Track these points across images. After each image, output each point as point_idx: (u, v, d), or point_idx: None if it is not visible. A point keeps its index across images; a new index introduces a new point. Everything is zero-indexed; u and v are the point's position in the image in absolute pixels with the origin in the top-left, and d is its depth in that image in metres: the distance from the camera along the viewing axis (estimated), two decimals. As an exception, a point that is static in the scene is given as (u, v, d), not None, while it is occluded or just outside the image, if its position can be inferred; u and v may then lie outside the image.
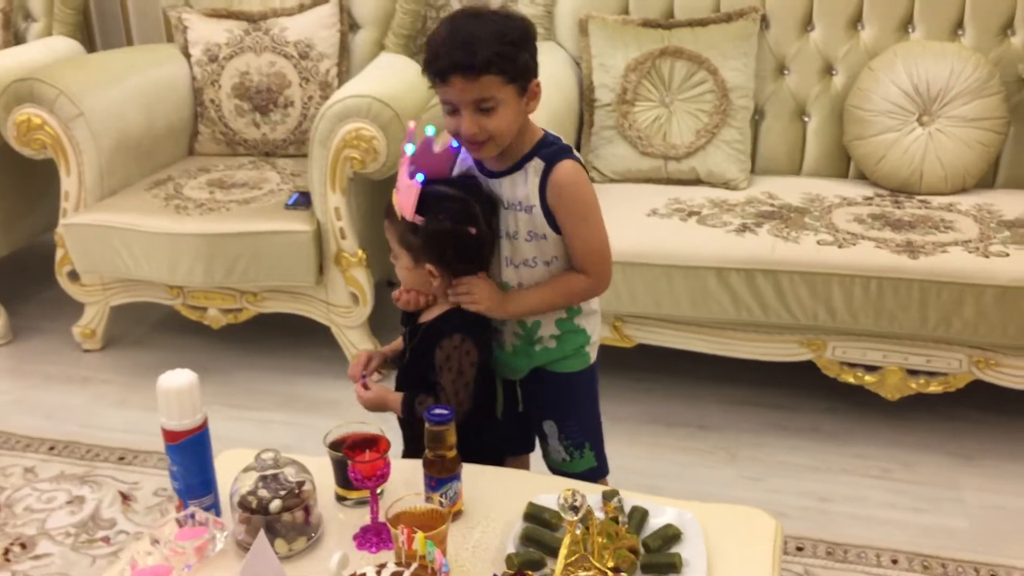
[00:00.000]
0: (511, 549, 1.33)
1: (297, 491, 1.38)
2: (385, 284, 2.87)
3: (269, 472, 1.37)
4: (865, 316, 2.27)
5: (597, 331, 1.73)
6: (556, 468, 1.77)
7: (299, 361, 2.82)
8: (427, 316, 1.66)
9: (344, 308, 2.66)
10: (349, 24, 3.00)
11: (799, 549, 2.04)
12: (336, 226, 2.56)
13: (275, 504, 1.36)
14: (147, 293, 2.78)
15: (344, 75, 2.97)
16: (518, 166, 1.57)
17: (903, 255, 2.25)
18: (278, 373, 2.77)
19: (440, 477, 1.41)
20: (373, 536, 1.40)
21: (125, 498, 2.24)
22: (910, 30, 2.72)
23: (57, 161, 2.70)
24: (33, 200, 3.07)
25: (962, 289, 2.19)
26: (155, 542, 1.36)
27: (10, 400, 2.69)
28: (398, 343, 1.74)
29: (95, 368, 2.85)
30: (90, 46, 3.47)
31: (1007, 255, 2.23)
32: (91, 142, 2.70)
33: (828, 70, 2.78)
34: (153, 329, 3.06)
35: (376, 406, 1.66)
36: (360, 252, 2.58)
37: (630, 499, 1.43)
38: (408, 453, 1.66)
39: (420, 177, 1.50)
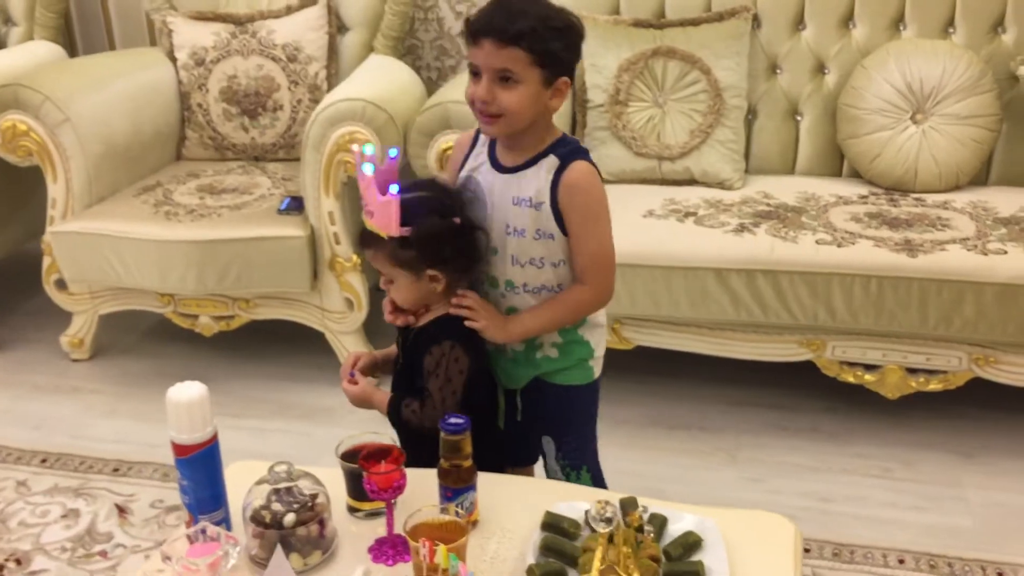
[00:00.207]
0: (531, 560, 1.31)
1: (311, 504, 1.36)
2: (375, 289, 2.84)
3: (282, 485, 1.35)
4: (865, 315, 2.27)
5: (602, 347, 1.70)
6: None
7: (293, 368, 2.79)
8: (421, 320, 1.64)
9: (339, 314, 2.63)
10: (337, 26, 2.97)
11: (806, 551, 2.03)
12: (330, 231, 2.53)
13: (289, 518, 1.33)
14: (137, 301, 2.74)
15: (333, 78, 2.94)
16: (532, 162, 1.55)
17: (902, 254, 2.25)
18: (272, 380, 2.74)
19: (456, 487, 1.39)
20: (389, 548, 1.38)
21: (121, 511, 2.20)
22: (901, 28, 2.73)
23: (43, 168, 2.65)
24: (15, 208, 3.02)
25: (962, 287, 2.20)
26: (167, 559, 1.33)
27: (-2, 411, 2.65)
28: (392, 349, 1.73)
29: (84, 378, 2.80)
30: (71, 50, 3.41)
31: (1005, 252, 2.24)
32: (78, 148, 2.65)
33: (820, 69, 2.78)
34: (142, 337, 3.01)
35: (361, 402, 1.65)
36: (355, 257, 2.55)
37: (647, 506, 1.41)
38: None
39: (395, 188, 1.48)
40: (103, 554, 2.07)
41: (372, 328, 2.68)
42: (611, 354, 2.25)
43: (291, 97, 2.93)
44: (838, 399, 2.53)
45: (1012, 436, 2.40)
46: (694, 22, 2.73)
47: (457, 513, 1.34)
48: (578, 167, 1.53)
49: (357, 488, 1.43)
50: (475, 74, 1.50)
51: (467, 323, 1.58)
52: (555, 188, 1.52)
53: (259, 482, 1.36)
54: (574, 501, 1.42)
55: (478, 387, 1.63)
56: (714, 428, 2.49)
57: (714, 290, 2.31)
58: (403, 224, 1.49)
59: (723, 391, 2.61)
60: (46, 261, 2.74)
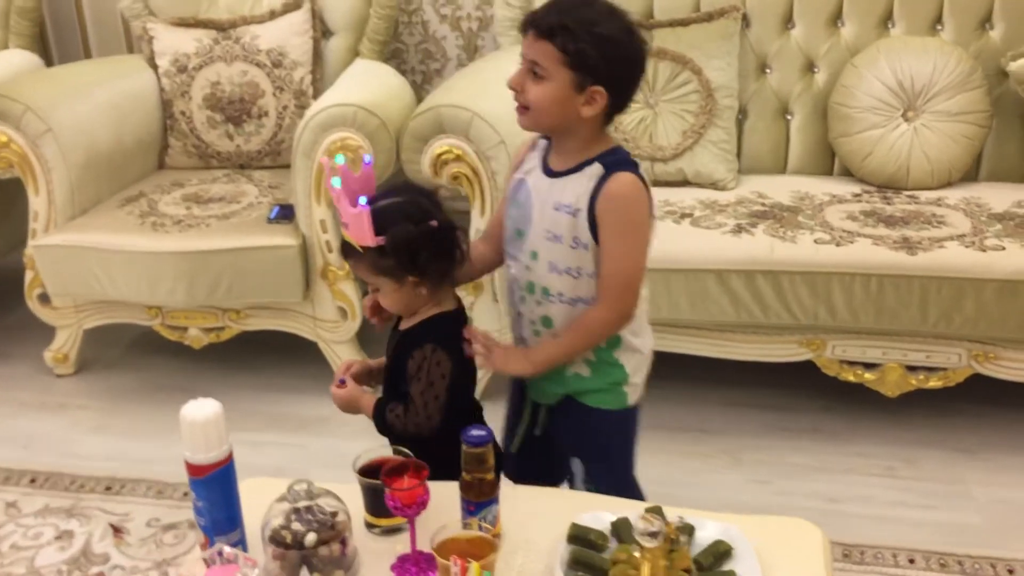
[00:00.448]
0: (559, 574, 1.29)
1: (331, 523, 1.32)
2: (364, 294, 2.80)
3: (302, 504, 1.31)
4: (866, 314, 2.26)
5: (640, 374, 1.64)
6: None
7: (285, 379, 2.74)
8: (406, 324, 1.61)
9: (332, 323, 2.59)
10: (322, 30, 2.93)
11: (816, 552, 2.02)
12: (322, 239, 2.49)
13: (310, 538, 1.29)
14: (123, 314, 2.68)
15: (319, 83, 2.89)
16: (577, 168, 1.51)
17: (901, 252, 2.24)
18: (264, 392, 2.69)
19: (479, 501, 1.35)
20: (412, 566, 1.35)
21: (117, 531, 2.15)
22: (890, 26, 2.73)
23: (24, 180, 2.59)
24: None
25: (962, 284, 2.20)
26: (184, 584, 1.29)
27: (-18, 431, 2.58)
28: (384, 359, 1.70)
29: (70, 394, 2.74)
30: (46, 58, 3.34)
31: (1003, 248, 2.24)
32: (60, 159, 2.59)
33: (810, 68, 2.77)
34: (127, 351, 2.95)
35: (348, 406, 1.63)
36: (347, 265, 2.51)
37: (682, 516, 1.38)
38: None
39: (363, 200, 1.46)
40: (101, 576, 2.02)
41: (366, 337, 2.63)
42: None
43: (276, 103, 2.88)
44: (836, 398, 2.53)
45: (1012, 432, 2.41)
46: (683, 22, 2.72)
47: (480, 527, 1.32)
48: (621, 178, 1.48)
49: (376, 504, 1.40)
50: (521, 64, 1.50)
51: (480, 364, 1.56)
52: (595, 197, 1.48)
53: (279, 500, 1.32)
54: (598, 512, 1.40)
55: (463, 391, 1.60)
56: (715, 430, 2.47)
57: (715, 292, 2.29)
58: (378, 233, 1.47)
59: (721, 392, 2.60)
60: (28, 275, 2.67)
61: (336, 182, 1.48)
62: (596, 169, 1.49)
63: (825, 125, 2.73)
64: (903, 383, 2.38)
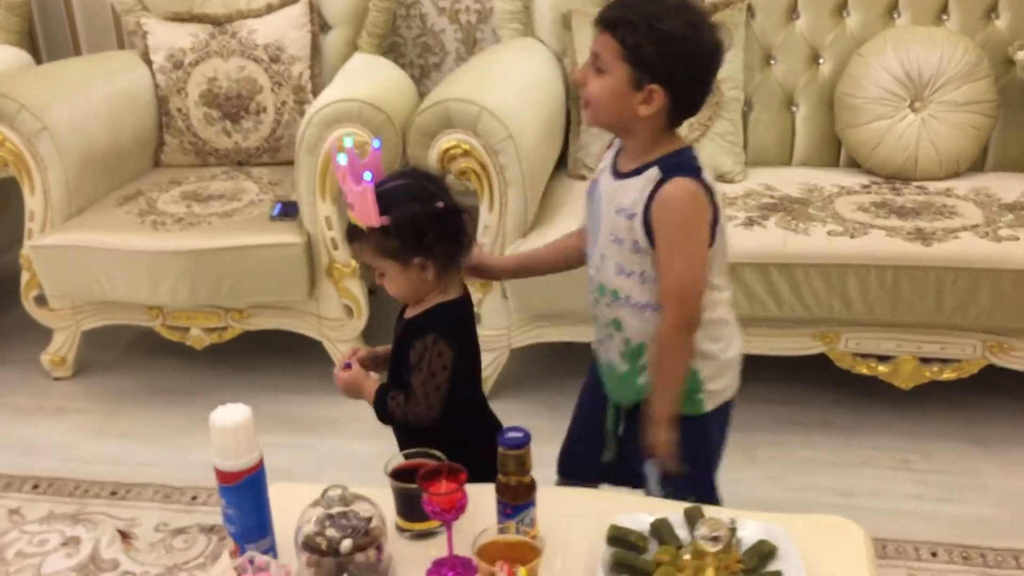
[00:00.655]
0: (603, 577, 1.26)
1: (365, 528, 1.29)
2: (373, 293, 2.76)
3: (336, 510, 1.27)
4: (881, 306, 2.24)
5: (718, 382, 1.58)
6: None
7: (291, 380, 2.69)
8: (412, 312, 1.59)
9: (337, 321, 2.55)
10: (320, 24, 2.88)
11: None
12: (327, 236, 2.45)
13: (346, 544, 1.25)
14: (123, 315, 2.63)
15: (317, 78, 2.85)
16: (638, 171, 1.47)
17: (916, 243, 2.23)
18: (269, 393, 2.63)
19: (516, 504, 1.32)
20: (448, 571, 1.31)
21: (124, 536, 2.10)
22: (895, 16, 2.71)
23: (20, 179, 2.53)
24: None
25: (978, 275, 2.18)
26: (216, 593, 1.25)
27: (-20, 437, 2.52)
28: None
29: (68, 397, 2.68)
30: (35, 55, 3.27)
31: (1017, 239, 2.23)
32: (56, 158, 2.53)
33: (815, 58, 2.75)
34: (125, 352, 2.89)
35: (350, 389, 1.61)
36: (353, 262, 2.47)
37: (734, 518, 1.35)
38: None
39: (368, 176, 1.43)
40: (111, 583, 1.97)
41: (372, 335, 2.59)
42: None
43: (275, 99, 2.83)
44: (846, 392, 2.51)
45: (1024, 424, 2.40)
46: (688, 13, 2.69)
47: (518, 530, 1.28)
48: (677, 182, 1.43)
49: (409, 508, 1.37)
50: None
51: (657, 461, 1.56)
52: (650, 202, 1.44)
53: (312, 505, 1.28)
54: (636, 513, 1.37)
55: (466, 382, 1.58)
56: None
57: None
58: (383, 213, 1.45)
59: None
60: (25, 276, 2.61)
61: (342, 158, 1.45)
62: (654, 173, 1.45)
63: (831, 116, 2.71)
64: (917, 375, 2.36)
